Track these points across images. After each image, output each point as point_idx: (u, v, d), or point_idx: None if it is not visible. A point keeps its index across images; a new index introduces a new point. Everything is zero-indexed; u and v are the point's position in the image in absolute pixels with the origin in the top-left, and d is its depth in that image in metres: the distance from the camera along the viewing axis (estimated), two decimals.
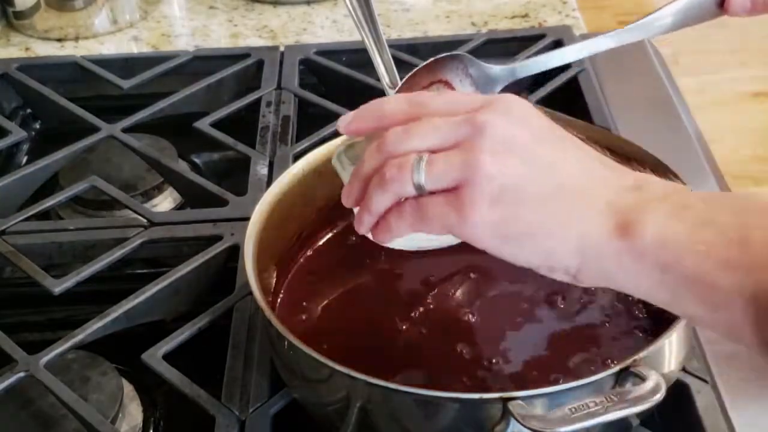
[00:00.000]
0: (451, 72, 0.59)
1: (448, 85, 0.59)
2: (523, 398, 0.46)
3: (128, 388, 0.63)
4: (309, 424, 0.57)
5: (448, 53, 0.59)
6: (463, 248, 0.63)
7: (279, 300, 0.62)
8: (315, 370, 0.51)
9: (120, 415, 0.60)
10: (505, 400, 0.46)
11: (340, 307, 0.62)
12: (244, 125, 0.85)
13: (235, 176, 0.82)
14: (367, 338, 0.59)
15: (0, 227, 0.73)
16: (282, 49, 0.96)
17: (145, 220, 0.73)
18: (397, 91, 0.58)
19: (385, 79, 0.60)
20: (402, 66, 0.88)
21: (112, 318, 0.64)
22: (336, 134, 0.73)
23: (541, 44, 0.92)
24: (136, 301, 0.65)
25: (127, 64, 0.95)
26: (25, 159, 0.91)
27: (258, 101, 0.88)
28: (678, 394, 0.57)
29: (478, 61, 0.60)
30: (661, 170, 0.60)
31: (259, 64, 0.93)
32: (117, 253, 0.69)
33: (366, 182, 0.47)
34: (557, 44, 0.93)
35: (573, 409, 0.45)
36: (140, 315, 0.66)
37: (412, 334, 0.58)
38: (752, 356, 0.62)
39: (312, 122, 0.85)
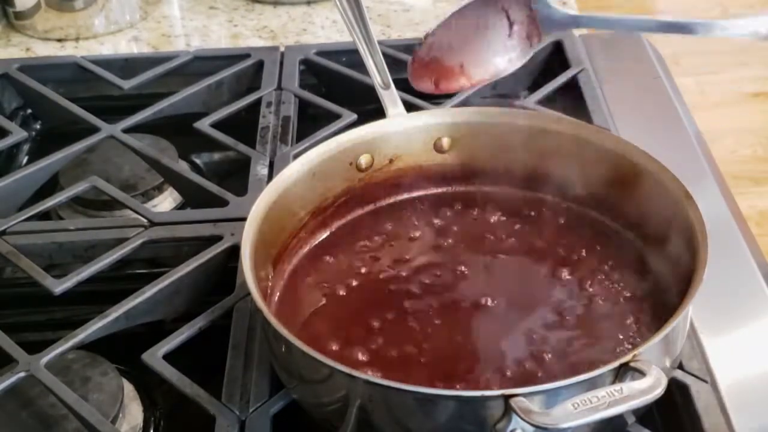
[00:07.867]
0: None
1: (507, 14, 0.58)
2: (524, 394, 0.46)
3: (128, 388, 0.63)
4: (309, 424, 0.57)
5: None
6: (469, 254, 0.64)
7: (277, 300, 0.62)
8: (314, 369, 0.51)
9: (120, 415, 0.60)
10: (507, 397, 0.46)
11: (338, 307, 0.62)
12: (244, 125, 0.85)
13: (236, 176, 0.82)
14: (366, 337, 0.59)
15: (0, 227, 0.73)
16: (282, 49, 0.96)
17: (145, 220, 0.73)
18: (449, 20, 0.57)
19: (377, 79, 0.60)
20: (403, 66, 0.89)
21: (112, 318, 0.64)
22: (334, 134, 0.74)
23: (540, 45, 0.92)
24: (136, 301, 0.65)
25: (127, 65, 0.94)
26: (25, 159, 0.91)
27: (258, 101, 0.88)
28: (678, 394, 0.57)
29: None
30: (660, 171, 0.60)
31: (259, 65, 0.93)
32: (117, 253, 0.69)
33: None
34: (557, 45, 0.93)
35: (576, 405, 0.45)
36: (140, 315, 0.66)
37: (410, 333, 0.58)
38: (752, 356, 0.63)
39: (312, 122, 0.85)
